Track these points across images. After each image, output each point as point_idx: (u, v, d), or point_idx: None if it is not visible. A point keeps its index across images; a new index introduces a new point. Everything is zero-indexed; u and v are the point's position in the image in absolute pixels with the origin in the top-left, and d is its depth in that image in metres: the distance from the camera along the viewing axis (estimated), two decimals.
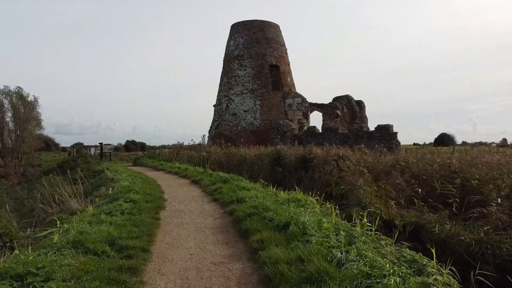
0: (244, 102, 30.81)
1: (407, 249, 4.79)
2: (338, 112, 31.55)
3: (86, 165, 23.96)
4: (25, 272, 3.77)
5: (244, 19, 32.70)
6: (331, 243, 4.49)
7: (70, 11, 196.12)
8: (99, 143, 32.69)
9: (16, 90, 44.45)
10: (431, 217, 6.86)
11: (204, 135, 27.45)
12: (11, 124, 44.50)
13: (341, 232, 4.93)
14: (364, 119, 33.24)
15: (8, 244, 7.69)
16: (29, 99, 45.06)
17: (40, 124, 47.73)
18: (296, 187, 9.12)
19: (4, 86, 44.26)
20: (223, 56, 33.50)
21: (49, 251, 4.45)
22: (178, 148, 26.99)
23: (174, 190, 11.40)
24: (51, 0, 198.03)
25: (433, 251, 4.92)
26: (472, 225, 6.25)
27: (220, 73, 33.50)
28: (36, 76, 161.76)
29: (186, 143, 27.94)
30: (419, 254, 4.34)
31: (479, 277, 4.41)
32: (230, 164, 17.07)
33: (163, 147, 40.44)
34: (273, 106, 30.71)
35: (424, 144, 55.95)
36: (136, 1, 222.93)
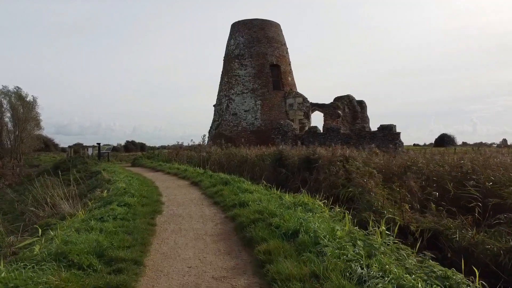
0: (245, 101, 30.28)
1: (430, 260, 4.29)
2: (340, 112, 31.05)
3: (83, 165, 23.42)
4: None
5: (245, 18, 32.24)
6: (348, 255, 3.95)
7: (70, 11, 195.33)
8: (97, 143, 32.02)
9: (15, 90, 44.17)
10: (450, 222, 6.33)
11: (204, 135, 26.89)
12: (10, 125, 44.38)
13: (358, 242, 4.39)
14: (366, 119, 32.75)
15: None
16: (28, 99, 44.87)
17: (39, 124, 47.62)
18: (302, 189, 8.60)
19: (3, 86, 43.91)
20: (224, 56, 32.97)
21: (27, 265, 3.91)
22: (177, 149, 26.41)
23: (172, 192, 10.86)
24: (51, 0, 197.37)
25: (461, 263, 4.43)
26: (498, 232, 5.70)
27: (220, 73, 32.99)
28: (36, 76, 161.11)
29: (186, 144, 27.38)
30: (452, 269, 3.80)
31: None
32: (231, 164, 16.62)
33: (163, 147, 39.77)
34: (274, 106, 30.19)
35: (424, 144, 55.53)
36: (136, 1, 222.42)
